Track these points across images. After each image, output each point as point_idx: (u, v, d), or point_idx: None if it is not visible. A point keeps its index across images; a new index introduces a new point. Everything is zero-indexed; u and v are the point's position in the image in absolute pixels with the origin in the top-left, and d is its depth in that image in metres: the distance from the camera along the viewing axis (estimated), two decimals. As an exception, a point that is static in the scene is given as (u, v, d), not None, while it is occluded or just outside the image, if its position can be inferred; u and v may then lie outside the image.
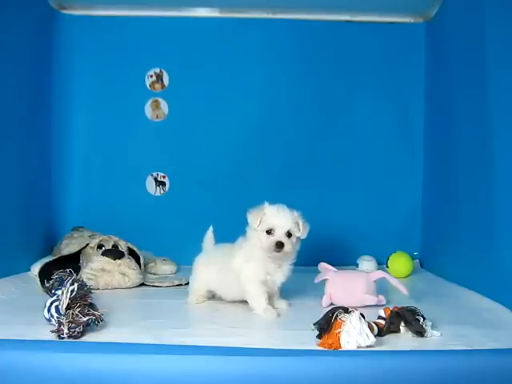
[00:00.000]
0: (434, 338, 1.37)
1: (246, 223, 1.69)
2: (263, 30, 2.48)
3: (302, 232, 1.65)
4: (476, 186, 1.89)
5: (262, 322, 1.57)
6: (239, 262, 1.67)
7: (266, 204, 1.67)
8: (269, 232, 1.63)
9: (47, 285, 1.68)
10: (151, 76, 2.50)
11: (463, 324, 1.49)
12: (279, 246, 1.61)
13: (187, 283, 1.86)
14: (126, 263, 1.98)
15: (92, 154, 2.51)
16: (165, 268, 2.27)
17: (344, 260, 2.24)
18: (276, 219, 1.63)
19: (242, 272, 1.66)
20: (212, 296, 1.79)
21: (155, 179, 2.52)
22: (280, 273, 1.68)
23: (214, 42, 2.49)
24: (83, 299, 1.40)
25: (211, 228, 1.83)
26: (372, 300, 1.69)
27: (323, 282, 1.76)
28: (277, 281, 1.68)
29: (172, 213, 2.49)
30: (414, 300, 1.67)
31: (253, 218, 1.66)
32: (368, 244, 2.41)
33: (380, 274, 1.76)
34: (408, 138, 2.53)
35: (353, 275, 1.84)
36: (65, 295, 1.37)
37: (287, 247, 1.62)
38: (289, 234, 1.63)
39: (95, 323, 1.36)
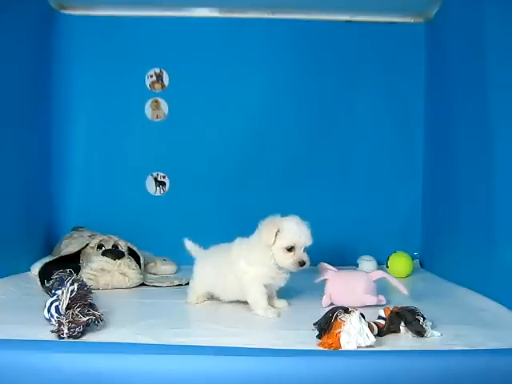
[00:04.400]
0: (434, 338, 1.37)
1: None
2: (263, 30, 2.48)
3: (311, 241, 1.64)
4: (476, 186, 1.89)
5: (262, 322, 1.57)
6: (242, 264, 1.65)
7: (280, 217, 1.63)
8: (289, 249, 1.60)
9: (47, 285, 1.68)
10: (151, 76, 2.50)
11: (463, 324, 1.49)
12: (302, 264, 1.60)
13: (187, 283, 1.86)
14: (126, 263, 1.98)
15: (92, 154, 2.51)
16: (165, 268, 2.26)
17: (344, 260, 2.24)
18: (298, 236, 1.60)
19: (244, 274, 1.65)
20: (212, 296, 1.78)
21: (155, 179, 2.52)
22: (282, 278, 1.67)
23: (213, 42, 2.49)
24: (83, 299, 1.40)
25: (187, 241, 1.81)
26: (372, 300, 1.69)
27: (323, 282, 1.76)
28: (277, 285, 1.69)
29: (172, 213, 2.49)
30: (414, 300, 1.67)
31: (267, 233, 1.60)
32: (368, 244, 2.42)
33: (380, 273, 1.77)
34: (408, 138, 2.53)
35: (353, 275, 1.84)
36: (65, 295, 1.37)
37: (307, 264, 1.61)
38: (305, 248, 1.63)
39: (95, 323, 1.36)
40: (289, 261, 1.60)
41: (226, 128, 2.50)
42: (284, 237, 1.60)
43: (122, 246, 2.07)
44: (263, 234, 1.62)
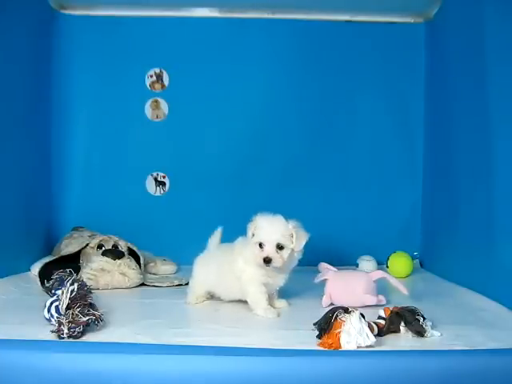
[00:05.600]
0: (434, 338, 1.37)
1: (246, 226, 1.68)
2: (263, 30, 2.48)
3: (295, 244, 1.62)
4: (476, 186, 1.89)
5: (262, 322, 1.57)
6: (241, 263, 1.66)
7: (258, 215, 1.65)
8: (260, 245, 1.61)
9: (47, 285, 1.68)
10: (151, 76, 2.50)
11: (463, 324, 1.50)
12: (267, 261, 1.58)
13: (187, 283, 1.86)
14: (126, 263, 1.98)
15: (92, 154, 2.51)
16: (165, 268, 2.26)
17: (344, 260, 2.23)
18: (265, 233, 1.60)
19: (243, 274, 1.65)
20: (212, 296, 1.79)
21: (155, 179, 2.52)
22: (280, 278, 1.68)
23: (213, 42, 2.49)
24: (83, 299, 1.40)
25: (220, 229, 1.82)
26: (372, 300, 1.70)
27: (323, 281, 1.76)
28: (276, 284, 1.69)
29: (172, 213, 2.49)
30: (414, 300, 1.67)
31: (248, 229, 1.65)
32: (368, 244, 2.41)
33: (380, 273, 1.77)
34: (408, 138, 2.53)
35: (353, 275, 1.84)
36: (65, 295, 1.37)
37: (276, 262, 1.59)
38: (281, 247, 1.60)
39: (95, 323, 1.36)
40: (257, 257, 1.60)
41: (226, 128, 2.50)
42: (256, 233, 1.62)
43: (122, 246, 2.07)
44: (247, 230, 1.65)
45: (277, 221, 1.63)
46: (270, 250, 1.59)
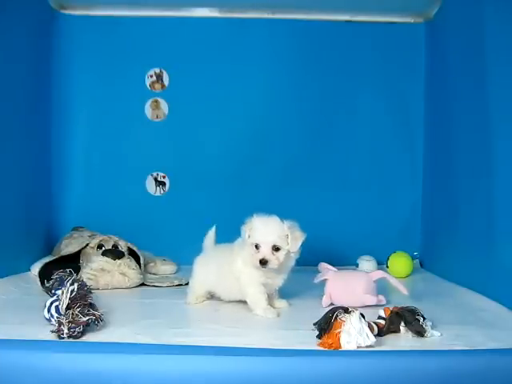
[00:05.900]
0: (434, 338, 1.37)
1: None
2: (263, 30, 2.48)
3: (290, 245, 1.61)
4: (476, 186, 1.89)
5: (262, 322, 1.57)
6: (240, 264, 1.66)
7: (254, 216, 1.65)
8: (256, 246, 1.60)
9: (47, 285, 1.68)
10: (151, 76, 2.50)
11: (463, 324, 1.50)
12: (263, 263, 1.57)
13: (187, 283, 1.86)
14: (126, 263, 1.98)
15: (92, 154, 2.51)
16: (165, 268, 2.26)
17: (344, 260, 2.23)
18: (260, 234, 1.59)
19: (242, 274, 1.65)
20: (212, 296, 1.79)
21: (155, 179, 2.52)
22: (279, 278, 1.67)
23: (214, 42, 2.49)
24: (83, 299, 1.40)
25: (214, 228, 1.82)
26: (372, 300, 1.70)
27: (323, 282, 1.76)
28: (275, 284, 1.68)
29: (172, 213, 2.49)
30: (414, 300, 1.67)
31: (243, 230, 1.64)
32: (368, 244, 2.41)
33: (380, 274, 1.77)
34: (408, 138, 2.53)
35: (353, 275, 1.84)
36: (65, 295, 1.37)
37: (272, 264, 1.58)
38: (277, 248, 1.60)
39: (95, 323, 1.36)
40: (253, 258, 1.59)
41: (226, 128, 2.50)
42: (251, 235, 1.62)
43: (122, 246, 2.07)
44: (242, 231, 1.65)
45: (272, 222, 1.62)
46: (265, 252, 1.58)
